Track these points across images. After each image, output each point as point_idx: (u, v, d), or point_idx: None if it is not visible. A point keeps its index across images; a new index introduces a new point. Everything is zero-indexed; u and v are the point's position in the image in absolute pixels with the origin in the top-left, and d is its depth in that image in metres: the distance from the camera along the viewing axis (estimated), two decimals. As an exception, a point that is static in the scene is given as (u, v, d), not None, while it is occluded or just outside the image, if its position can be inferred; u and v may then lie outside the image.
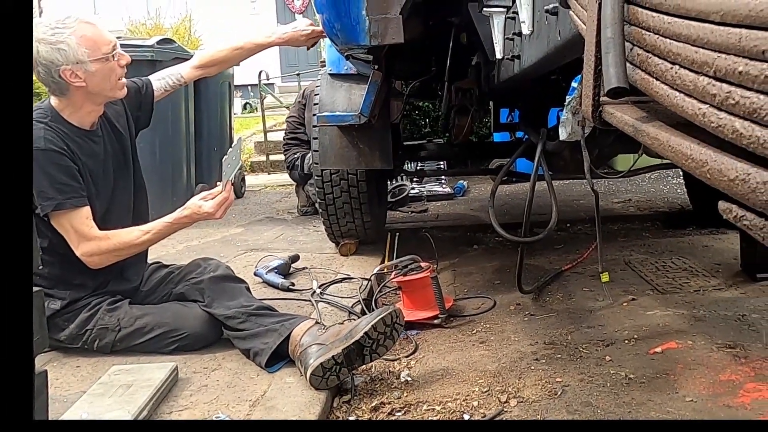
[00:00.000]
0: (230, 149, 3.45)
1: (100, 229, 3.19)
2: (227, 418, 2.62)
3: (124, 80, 3.27)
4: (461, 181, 8.76)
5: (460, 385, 3.02)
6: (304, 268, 4.85)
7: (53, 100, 3.20)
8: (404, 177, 7.82)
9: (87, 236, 3.14)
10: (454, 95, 4.99)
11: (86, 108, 3.21)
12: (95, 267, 3.23)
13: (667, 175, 8.32)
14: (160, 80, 3.68)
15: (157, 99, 3.68)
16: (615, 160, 7.15)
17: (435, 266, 4.12)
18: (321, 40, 3.91)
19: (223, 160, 3.33)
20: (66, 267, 3.25)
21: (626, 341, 3.36)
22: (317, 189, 5.08)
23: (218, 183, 3.31)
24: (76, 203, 3.10)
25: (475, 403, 2.82)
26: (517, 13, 2.62)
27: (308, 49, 4.06)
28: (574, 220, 6.30)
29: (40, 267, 3.18)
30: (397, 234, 4.91)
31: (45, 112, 3.15)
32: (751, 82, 0.85)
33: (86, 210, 3.14)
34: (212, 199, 3.24)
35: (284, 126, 8.35)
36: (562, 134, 3.10)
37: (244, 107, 18.84)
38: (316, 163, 4.91)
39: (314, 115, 4.81)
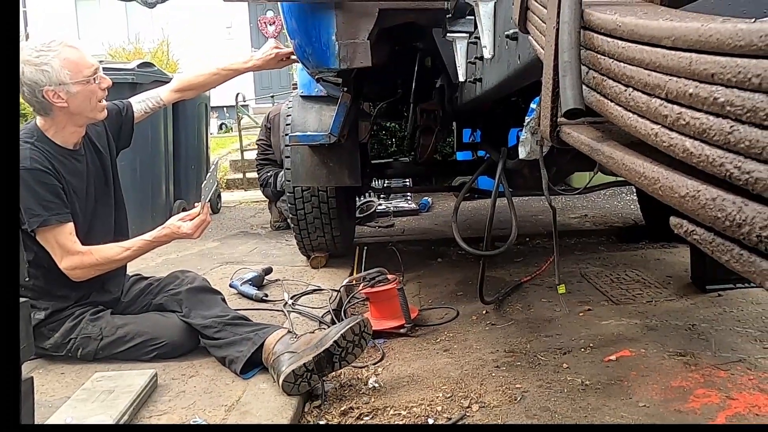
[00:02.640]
0: (208, 174, 3.44)
1: (83, 244, 3.18)
2: (204, 422, 2.61)
3: (104, 102, 3.25)
4: (426, 198, 8.76)
5: (425, 391, 3.02)
6: (276, 280, 4.83)
7: (39, 121, 3.19)
8: (372, 193, 7.81)
9: (70, 251, 3.12)
10: (419, 116, 5.00)
11: (69, 128, 3.20)
12: (78, 280, 3.21)
13: (621, 192, 8.37)
14: (140, 102, 3.67)
15: (137, 121, 3.67)
16: (572, 178, 7.18)
17: (401, 278, 4.13)
18: (293, 63, 3.90)
19: (202, 186, 3.33)
20: (50, 279, 3.22)
21: (582, 349, 3.37)
22: (289, 205, 5.07)
23: (196, 204, 3.30)
24: (60, 219, 3.09)
25: (439, 408, 2.82)
26: (479, 38, 2.62)
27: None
28: (532, 234, 6.32)
29: (27, 279, 3.16)
30: (365, 248, 4.92)
31: (31, 132, 3.15)
32: (700, 103, 0.85)
33: (70, 226, 3.13)
34: (190, 220, 3.25)
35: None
36: (522, 153, 3.11)
37: (220, 127, 18.75)
38: (289, 181, 4.90)
39: (286, 134, 4.80)
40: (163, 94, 3.73)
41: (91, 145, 3.38)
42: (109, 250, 3.26)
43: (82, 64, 3.10)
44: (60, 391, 2.96)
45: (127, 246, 3.29)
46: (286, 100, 5.61)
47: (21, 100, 3.00)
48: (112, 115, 3.49)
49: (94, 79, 3.14)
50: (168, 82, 3.83)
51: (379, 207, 8.10)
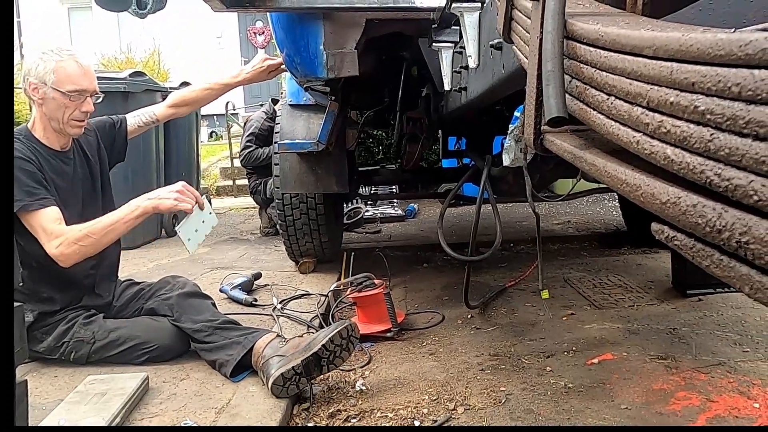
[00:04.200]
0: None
1: None
2: (195, 425, 2.60)
3: (83, 123, 3.26)
4: (412, 204, 8.77)
5: (411, 393, 3.01)
6: (266, 285, 4.81)
7: (30, 123, 3.24)
8: (359, 200, 7.80)
9: (55, 233, 3.05)
10: (406, 124, 5.01)
11: (49, 130, 3.24)
12: (68, 264, 3.08)
13: (603, 199, 8.40)
14: (135, 117, 3.73)
15: (131, 135, 3.71)
16: (555, 184, 7.20)
17: (388, 283, 4.11)
18: (282, 73, 3.91)
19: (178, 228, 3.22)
20: (36, 280, 3.22)
21: (565, 353, 3.37)
22: (278, 211, 5.06)
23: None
24: (43, 204, 3.04)
25: (425, 411, 2.81)
26: (464, 47, 2.63)
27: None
28: (517, 240, 6.33)
29: (21, 284, 3.15)
30: (353, 253, 4.91)
31: (20, 131, 3.22)
32: (681, 111, 0.85)
33: (54, 211, 3.06)
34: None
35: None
36: (506, 160, 3.10)
37: (210, 135, 18.71)
38: (278, 188, 4.90)
39: (275, 142, 4.81)
40: (158, 110, 3.78)
41: (81, 151, 3.41)
42: (95, 224, 3.11)
43: (72, 79, 3.15)
44: (53, 394, 2.95)
45: (112, 216, 3.14)
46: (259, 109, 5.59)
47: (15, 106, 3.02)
48: (106, 128, 3.57)
49: (72, 97, 3.16)
50: (159, 91, 3.85)
51: (366, 213, 8.11)
